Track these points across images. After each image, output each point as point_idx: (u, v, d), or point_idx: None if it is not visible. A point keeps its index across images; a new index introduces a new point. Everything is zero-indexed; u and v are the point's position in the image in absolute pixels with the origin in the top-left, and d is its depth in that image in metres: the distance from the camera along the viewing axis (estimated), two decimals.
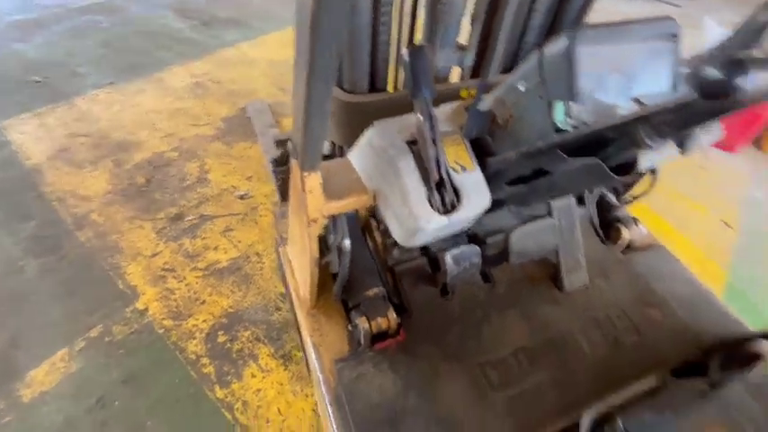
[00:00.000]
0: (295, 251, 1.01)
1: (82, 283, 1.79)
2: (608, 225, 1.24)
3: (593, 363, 0.99)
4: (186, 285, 1.82)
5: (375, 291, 0.98)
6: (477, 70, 1.14)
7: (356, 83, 0.97)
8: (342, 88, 0.99)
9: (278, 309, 1.77)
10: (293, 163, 0.71)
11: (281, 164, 1.48)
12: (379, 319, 0.95)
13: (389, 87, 1.05)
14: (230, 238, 2.01)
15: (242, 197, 2.21)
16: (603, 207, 1.25)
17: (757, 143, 2.88)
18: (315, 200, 0.69)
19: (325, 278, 1.01)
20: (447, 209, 0.65)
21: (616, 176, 0.57)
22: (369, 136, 0.71)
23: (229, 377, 1.56)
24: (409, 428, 0.87)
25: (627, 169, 0.58)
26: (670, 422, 0.62)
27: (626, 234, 1.23)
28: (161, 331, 1.67)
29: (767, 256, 2.19)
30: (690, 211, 2.39)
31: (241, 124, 2.66)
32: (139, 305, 1.74)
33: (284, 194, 1.49)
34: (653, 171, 1.20)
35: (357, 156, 0.76)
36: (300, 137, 0.59)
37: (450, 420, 0.88)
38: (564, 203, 1.10)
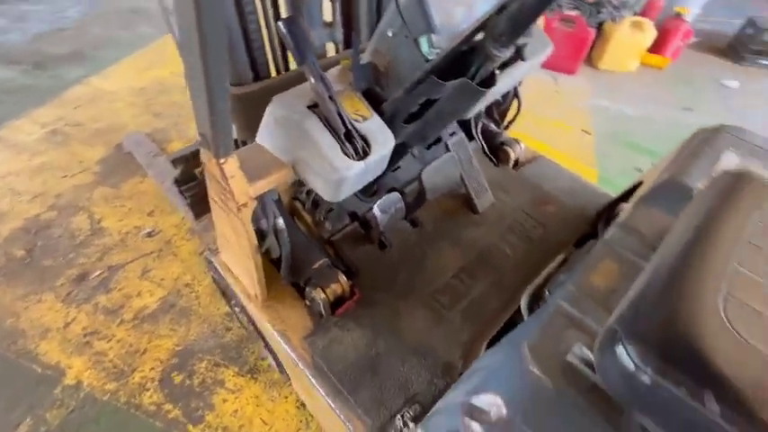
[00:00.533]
0: (232, 252, 1.01)
1: None
2: (496, 150, 1.45)
3: (517, 260, 1.18)
4: (118, 342, 1.66)
5: (320, 262, 1.04)
6: (348, 42, 1.22)
7: (240, 75, 0.99)
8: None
9: (228, 329, 1.72)
10: (206, 157, 0.72)
11: (186, 181, 1.42)
12: (333, 286, 1.01)
13: (273, 73, 1.09)
14: (151, 280, 1.87)
15: (149, 235, 2.05)
16: (489, 136, 1.45)
17: (589, 61, 3.47)
18: (238, 183, 0.72)
19: (268, 270, 1.04)
20: (361, 155, 0.73)
21: (482, 89, 0.70)
22: (270, 112, 0.75)
23: (200, 411, 1.49)
24: (388, 368, 0.95)
25: (489, 83, 0.72)
26: (575, 271, 0.78)
27: (512, 153, 1.44)
28: (106, 397, 1.52)
29: (619, 147, 2.69)
30: (555, 128, 2.81)
31: (121, 162, 2.43)
32: (69, 381, 1.55)
33: (198, 210, 1.45)
34: (517, 96, 1.42)
35: (265, 135, 0.79)
36: (208, 125, 0.61)
37: (421, 347, 0.99)
38: (457, 139, 1.26)
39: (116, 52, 3.42)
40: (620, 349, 0.49)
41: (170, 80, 3.11)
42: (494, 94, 0.97)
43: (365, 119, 0.75)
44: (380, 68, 0.77)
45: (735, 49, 3.65)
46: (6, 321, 1.70)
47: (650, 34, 3.27)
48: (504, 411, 0.54)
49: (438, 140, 1.28)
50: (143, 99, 2.91)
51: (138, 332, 1.69)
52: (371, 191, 1.21)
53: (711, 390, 0.44)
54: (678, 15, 3.35)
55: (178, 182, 1.44)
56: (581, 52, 3.25)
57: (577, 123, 2.87)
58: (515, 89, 1.41)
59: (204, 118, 0.61)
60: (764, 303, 0.52)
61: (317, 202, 1.15)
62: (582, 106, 3.04)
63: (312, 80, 0.69)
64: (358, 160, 0.71)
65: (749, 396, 0.43)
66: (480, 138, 1.40)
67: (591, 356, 0.58)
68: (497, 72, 0.77)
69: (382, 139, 0.75)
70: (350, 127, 0.71)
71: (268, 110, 0.75)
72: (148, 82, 3.09)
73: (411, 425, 0.83)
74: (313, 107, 0.73)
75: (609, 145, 2.70)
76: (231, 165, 0.70)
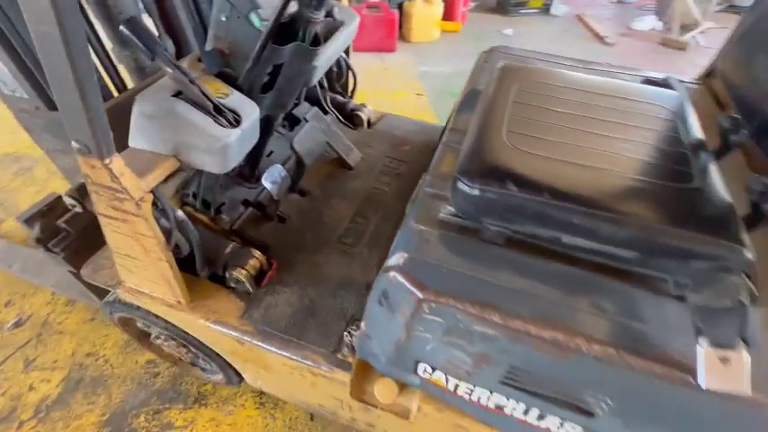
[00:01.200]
0: (140, 268, 1.02)
1: None
2: (349, 116, 1.67)
3: (394, 193, 1.42)
4: None
5: (231, 246, 1.12)
6: (179, 51, 1.28)
7: None
8: None
9: (156, 375, 1.63)
10: (89, 165, 0.75)
11: (51, 236, 1.31)
12: (251, 262, 1.10)
13: (115, 92, 1.10)
14: (41, 368, 1.64)
15: (17, 325, 1.77)
16: (339, 106, 1.66)
17: (403, 38, 3.99)
18: (130, 179, 0.77)
19: (182, 276, 1.07)
20: (234, 124, 0.84)
21: (313, 47, 0.88)
22: (138, 111, 0.81)
23: None
24: (324, 307, 1.10)
25: (317, 43, 0.91)
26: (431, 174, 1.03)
27: (364, 115, 1.68)
28: None
29: (448, 99, 3.20)
30: (394, 97, 3.22)
31: None
32: None
33: (77, 261, 1.35)
34: (350, 69, 1.66)
35: (138, 136, 0.84)
36: (87, 127, 0.66)
37: (344, 281, 1.15)
38: (313, 113, 1.44)
39: None
40: (460, 185, 0.74)
41: None
42: (327, 59, 1.17)
43: (227, 95, 0.87)
44: (225, 51, 0.89)
45: (502, 5, 4.59)
46: None
47: (439, 6, 3.92)
48: (408, 255, 0.74)
49: (298, 121, 1.44)
50: None
51: (47, 424, 1.49)
52: (255, 177, 1.32)
53: (510, 179, 0.70)
54: None
55: (41, 240, 1.32)
56: (393, 31, 3.73)
57: (411, 89, 3.32)
58: (347, 63, 1.65)
59: (81, 123, 0.65)
60: (524, 129, 0.82)
61: (207, 202, 1.21)
62: (410, 75, 3.51)
63: (169, 70, 0.78)
64: (234, 128, 0.83)
65: (527, 175, 0.71)
66: (332, 109, 1.61)
67: (452, 210, 0.82)
68: (323, 41, 0.97)
69: (249, 108, 0.88)
70: (216, 103, 0.82)
71: (135, 110, 0.81)
72: None
73: (356, 333, 0.99)
74: (177, 95, 0.81)
75: (440, 100, 3.20)
76: (117, 163, 0.75)
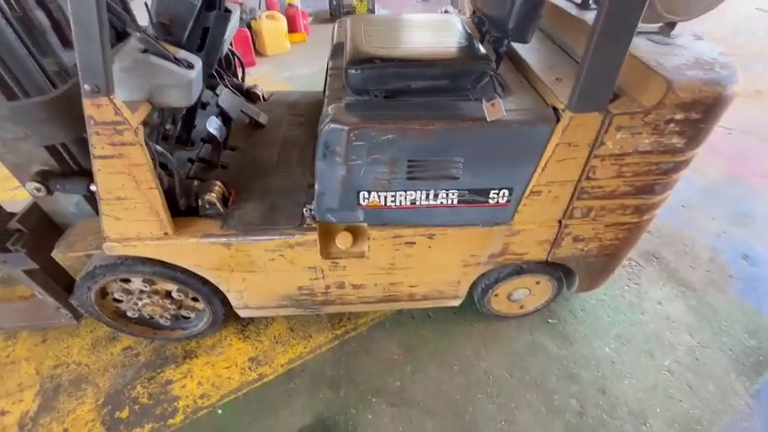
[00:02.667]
0: (129, 207, 1.25)
1: None
2: (246, 94, 2.07)
3: (304, 134, 1.87)
4: None
5: (196, 182, 1.43)
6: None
7: (40, 86, 1.19)
8: (28, 95, 1.18)
9: (137, 354, 1.76)
10: (94, 106, 1.02)
11: (4, 240, 1.41)
12: (216, 189, 1.43)
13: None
14: (6, 396, 1.63)
15: None
16: (238, 88, 2.04)
17: (260, 53, 4.41)
18: (127, 111, 1.07)
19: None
20: (190, 68, 1.19)
21: (227, 13, 1.29)
22: (117, 68, 1.09)
23: (170, 408, 1.59)
24: (282, 203, 1.49)
25: (228, 11, 1.32)
26: (329, 89, 1.51)
27: (259, 92, 2.10)
28: None
29: None
30: None
31: None
32: None
33: (39, 255, 1.47)
34: (238, 58, 2.06)
35: (118, 89, 1.12)
36: (102, 69, 0.95)
37: (290, 188, 1.56)
38: (221, 88, 1.80)
39: None
40: (350, 71, 1.23)
41: None
42: (229, 34, 1.57)
43: (177, 52, 1.21)
44: (167, 23, 1.23)
45: (334, 15, 5.36)
46: None
47: (282, 21, 4.46)
48: (332, 115, 1.21)
49: (207, 104, 1.79)
50: None
51: (39, 430, 1.53)
52: (190, 141, 1.63)
53: (376, 60, 1.23)
54: (291, 5, 4.67)
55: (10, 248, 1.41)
56: (249, 47, 4.13)
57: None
58: (233, 51, 2.04)
59: (98, 65, 0.94)
60: (376, 38, 1.36)
61: (162, 164, 1.48)
62: (276, 81, 3.96)
63: (137, 34, 1.10)
64: (191, 69, 1.18)
65: (384, 56, 1.25)
66: (232, 89, 1.98)
67: (349, 98, 1.31)
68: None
69: (194, 59, 1.23)
70: (174, 55, 1.16)
71: (115, 68, 1.09)
72: None
73: (312, 206, 1.41)
74: (144, 51, 1.13)
75: None
76: (117, 99, 1.04)
